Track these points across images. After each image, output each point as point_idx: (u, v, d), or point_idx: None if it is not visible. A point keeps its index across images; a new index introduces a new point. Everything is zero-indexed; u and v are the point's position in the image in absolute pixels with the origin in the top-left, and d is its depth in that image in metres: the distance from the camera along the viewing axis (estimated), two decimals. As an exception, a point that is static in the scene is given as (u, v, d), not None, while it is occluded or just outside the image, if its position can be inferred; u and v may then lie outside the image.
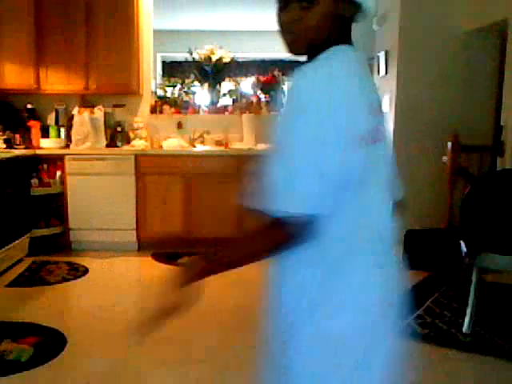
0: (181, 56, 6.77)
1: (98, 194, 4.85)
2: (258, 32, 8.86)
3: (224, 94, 5.67)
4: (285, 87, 5.70)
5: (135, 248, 4.98)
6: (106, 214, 4.87)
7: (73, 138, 5.07)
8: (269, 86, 5.62)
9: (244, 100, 5.66)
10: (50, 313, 3.50)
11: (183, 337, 3.14)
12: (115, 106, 5.38)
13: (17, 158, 4.54)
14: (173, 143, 5.15)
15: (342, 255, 1.08)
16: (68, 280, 4.15)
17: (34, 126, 5.14)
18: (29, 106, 5.22)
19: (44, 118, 5.27)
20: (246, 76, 8.30)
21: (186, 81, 5.71)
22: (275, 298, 1.16)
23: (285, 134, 1.05)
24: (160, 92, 5.73)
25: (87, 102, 5.25)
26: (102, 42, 4.98)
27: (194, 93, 5.70)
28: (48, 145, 5.04)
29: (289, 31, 1.13)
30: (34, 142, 5.11)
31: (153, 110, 5.47)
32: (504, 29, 4.40)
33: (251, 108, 5.50)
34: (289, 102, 1.08)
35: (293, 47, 1.15)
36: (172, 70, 8.53)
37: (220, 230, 4.91)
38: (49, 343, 2.99)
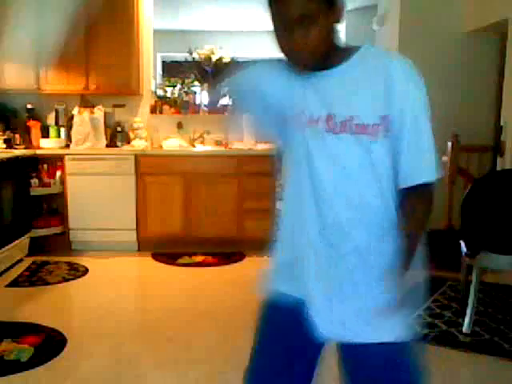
0: (181, 56, 6.76)
1: (97, 193, 4.85)
2: (258, 32, 8.85)
3: (224, 94, 5.66)
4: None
5: (135, 248, 4.97)
6: (106, 214, 4.87)
7: (73, 138, 5.07)
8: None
9: (244, 100, 5.65)
10: (50, 313, 3.50)
11: (183, 337, 3.14)
12: (115, 105, 5.38)
13: (17, 158, 4.54)
14: (173, 143, 5.15)
15: None
16: (68, 280, 4.15)
17: (34, 126, 5.14)
18: (29, 106, 5.22)
19: (44, 118, 5.27)
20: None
21: (186, 81, 5.71)
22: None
23: (423, 113, 1.36)
24: (160, 92, 5.73)
25: (87, 102, 5.25)
26: (102, 42, 4.98)
27: (194, 93, 5.69)
28: (48, 145, 5.04)
29: (297, 53, 1.25)
30: (34, 142, 5.11)
31: (153, 110, 5.47)
32: (504, 29, 4.40)
33: (251, 108, 5.50)
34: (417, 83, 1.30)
35: (304, 64, 1.28)
36: (172, 70, 8.52)
37: (219, 229, 4.92)
38: (49, 343, 2.99)
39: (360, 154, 1.26)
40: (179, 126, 5.43)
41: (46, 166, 4.88)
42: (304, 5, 1.19)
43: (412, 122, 1.29)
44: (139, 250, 4.97)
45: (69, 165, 4.85)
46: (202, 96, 5.65)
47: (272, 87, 1.38)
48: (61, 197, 4.88)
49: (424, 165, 1.31)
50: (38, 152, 4.91)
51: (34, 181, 4.75)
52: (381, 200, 1.29)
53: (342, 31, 7.77)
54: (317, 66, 1.28)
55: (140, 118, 5.35)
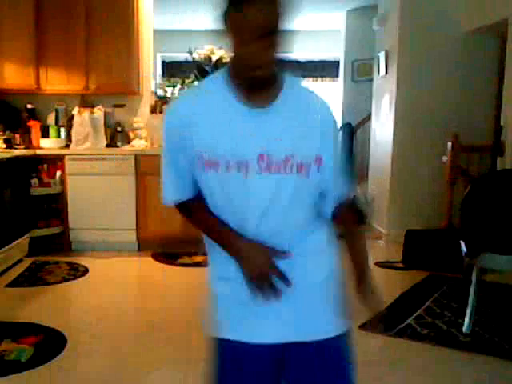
0: (181, 56, 6.77)
1: (97, 194, 4.85)
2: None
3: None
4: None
5: (135, 248, 4.97)
6: (106, 214, 4.87)
7: (73, 138, 5.06)
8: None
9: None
10: (50, 313, 3.50)
11: (183, 337, 3.14)
12: (115, 105, 5.38)
13: (17, 158, 4.53)
14: (173, 143, 5.14)
15: None
16: (68, 280, 4.15)
17: (34, 126, 5.14)
18: (29, 106, 5.22)
19: (44, 118, 5.27)
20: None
21: (186, 81, 5.71)
22: None
23: None
24: (160, 92, 5.73)
25: (87, 102, 5.25)
26: (101, 42, 4.98)
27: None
28: (48, 145, 5.04)
29: (264, 64, 1.24)
30: (34, 142, 5.11)
31: (153, 110, 5.47)
32: (504, 29, 4.40)
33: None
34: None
35: (263, 78, 1.26)
36: (172, 70, 8.53)
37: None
38: (49, 343, 2.99)
39: (290, 193, 1.30)
40: (179, 125, 5.42)
41: (46, 165, 4.87)
42: (275, 17, 1.17)
43: (336, 160, 1.38)
44: (139, 250, 4.97)
45: (69, 165, 4.85)
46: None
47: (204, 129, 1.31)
48: (61, 197, 4.88)
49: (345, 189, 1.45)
50: (38, 152, 4.91)
51: (34, 181, 4.75)
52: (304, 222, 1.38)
53: (343, 31, 7.78)
54: (265, 83, 1.27)
55: (140, 118, 5.35)
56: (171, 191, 1.41)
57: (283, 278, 1.32)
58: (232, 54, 1.27)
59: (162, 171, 1.39)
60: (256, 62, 1.20)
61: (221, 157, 1.26)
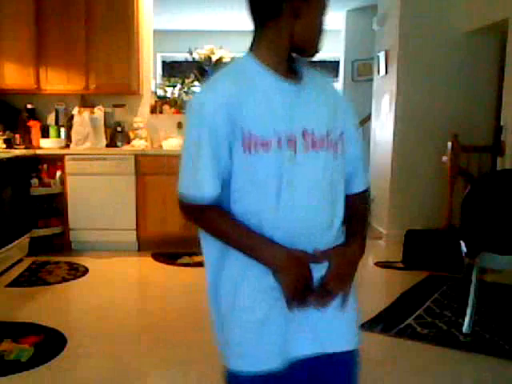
0: (181, 56, 6.77)
1: (97, 194, 4.85)
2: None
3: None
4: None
5: (135, 248, 4.97)
6: (106, 214, 4.87)
7: (73, 138, 5.07)
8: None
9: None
10: (50, 313, 3.50)
11: (183, 337, 3.14)
12: (115, 105, 5.38)
13: (17, 158, 4.53)
14: (173, 143, 5.15)
15: None
16: (68, 280, 4.15)
17: (34, 126, 5.14)
18: (29, 106, 5.22)
19: (44, 118, 5.27)
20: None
21: (186, 81, 5.71)
22: None
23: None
24: (160, 92, 5.73)
25: (87, 102, 5.25)
26: (101, 42, 4.98)
27: (194, 93, 5.69)
28: (48, 145, 5.04)
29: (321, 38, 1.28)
30: (34, 142, 5.11)
31: (153, 110, 5.47)
32: (504, 29, 4.40)
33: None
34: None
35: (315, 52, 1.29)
36: (172, 70, 8.53)
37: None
38: (49, 343, 2.99)
39: (328, 170, 1.25)
40: (179, 125, 5.43)
41: (46, 165, 4.87)
42: None
43: (357, 139, 1.37)
44: (139, 250, 4.97)
45: (69, 165, 4.85)
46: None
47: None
48: (61, 197, 4.88)
49: (366, 175, 1.42)
50: (38, 152, 4.91)
51: (34, 181, 4.75)
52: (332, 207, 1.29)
53: (343, 31, 7.77)
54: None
55: (140, 118, 5.35)
56: (212, 186, 1.21)
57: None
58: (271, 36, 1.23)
59: (199, 164, 1.20)
60: (321, 38, 1.26)
61: (273, 133, 1.18)
